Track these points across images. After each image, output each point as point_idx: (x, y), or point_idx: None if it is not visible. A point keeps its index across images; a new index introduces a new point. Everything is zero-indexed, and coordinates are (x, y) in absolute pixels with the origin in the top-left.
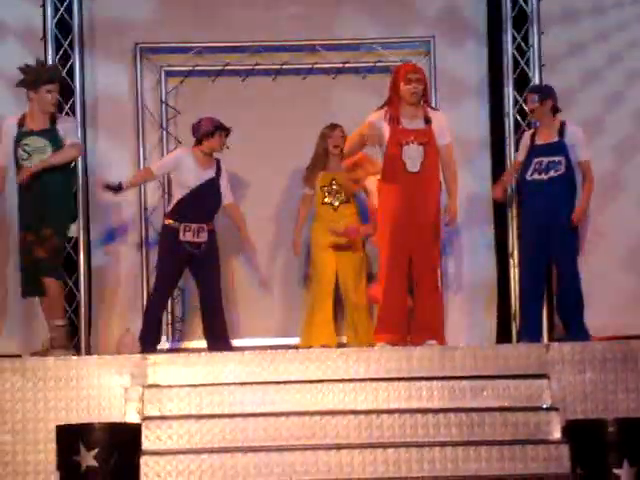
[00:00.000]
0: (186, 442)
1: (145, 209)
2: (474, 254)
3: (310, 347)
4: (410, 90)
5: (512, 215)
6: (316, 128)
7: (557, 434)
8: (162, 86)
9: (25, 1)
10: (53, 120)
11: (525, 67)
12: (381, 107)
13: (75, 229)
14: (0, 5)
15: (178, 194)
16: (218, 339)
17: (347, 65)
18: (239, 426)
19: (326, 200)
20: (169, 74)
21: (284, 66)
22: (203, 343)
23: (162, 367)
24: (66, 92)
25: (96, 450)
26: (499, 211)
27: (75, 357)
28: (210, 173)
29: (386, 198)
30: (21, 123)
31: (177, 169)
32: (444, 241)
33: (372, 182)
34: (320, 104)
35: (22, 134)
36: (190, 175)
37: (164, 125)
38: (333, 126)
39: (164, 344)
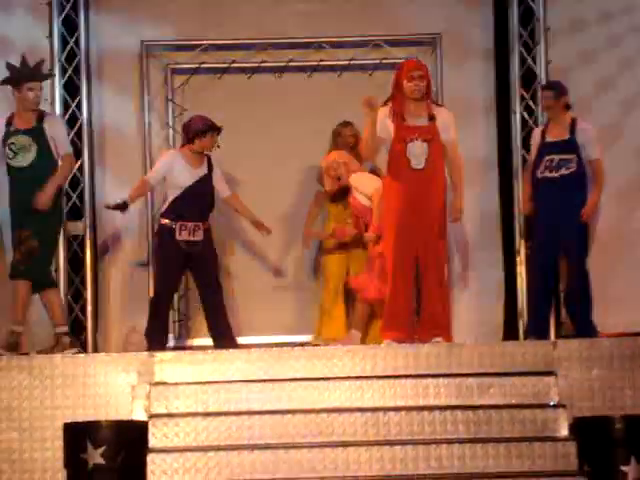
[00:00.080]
0: (193, 440)
1: (151, 206)
2: (481, 251)
3: (319, 344)
4: (412, 87)
5: (519, 212)
6: (322, 125)
7: (564, 431)
8: (168, 83)
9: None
10: (40, 118)
11: (532, 63)
12: (384, 103)
13: (81, 227)
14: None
15: (172, 194)
16: (223, 336)
17: (353, 62)
18: (246, 423)
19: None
20: (175, 72)
21: (290, 63)
22: (209, 340)
23: (169, 365)
24: (72, 92)
25: (103, 448)
26: (506, 208)
27: (82, 355)
28: (202, 171)
29: (391, 195)
30: (9, 122)
31: (169, 171)
32: (450, 238)
33: (358, 180)
34: (326, 101)
35: (9, 133)
36: (182, 175)
37: (170, 123)
38: (344, 124)
39: (170, 342)
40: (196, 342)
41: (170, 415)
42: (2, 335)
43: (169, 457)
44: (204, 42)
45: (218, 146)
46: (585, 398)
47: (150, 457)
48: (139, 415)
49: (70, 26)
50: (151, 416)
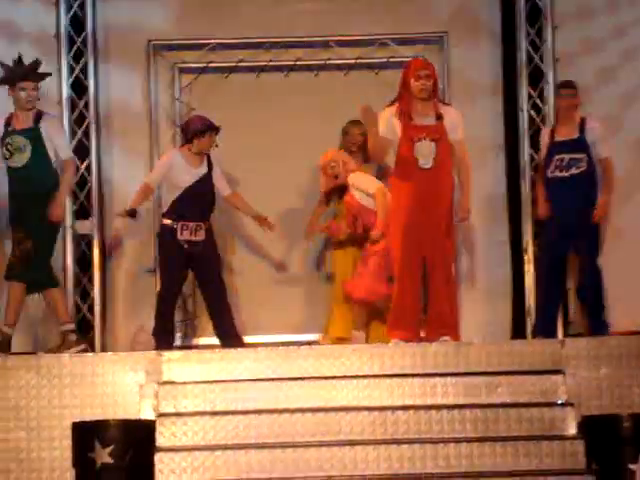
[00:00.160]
0: (201, 439)
1: (159, 205)
2: (488, 250)
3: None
4: (419, 86)
5: (526, 211)
6: (329, 124)
7: (572, 430)
8: (176, 83)
9: (38, 2)
10: (37, 119)
11: (539, 62)
12: (391, 103)
13: (88, 226)
14: (14, 8)
15: (173, 194)
16: (228, 336)
17: (360, 61)
18: (253, 422)
19: None
20: (183, 71)
21: (297, 62)
22: (217, 339)
23: (177, 364)
24: (80, 91)
25: (111, 447)
26: (513, 207)
27: (90, 354)
28: (202, 170)
29: (398, 195)
30: (8, 122)
31: (169, 171)
32: (458, 237)
33: (358, 179)
34: (333, 100)
35: (7, 133)
36: (182, 175)
37: (178, 122)
38: (353, 122)
39: (177, 341)
40: (204, 341)
41: (178, 414)
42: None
43: (177, 456)
44: (211, 41)
45: (216, 145)
46: (593, 396)
47: (158, 456)
48: (147, 414)
49: (77, 25)
50: (159, 415)
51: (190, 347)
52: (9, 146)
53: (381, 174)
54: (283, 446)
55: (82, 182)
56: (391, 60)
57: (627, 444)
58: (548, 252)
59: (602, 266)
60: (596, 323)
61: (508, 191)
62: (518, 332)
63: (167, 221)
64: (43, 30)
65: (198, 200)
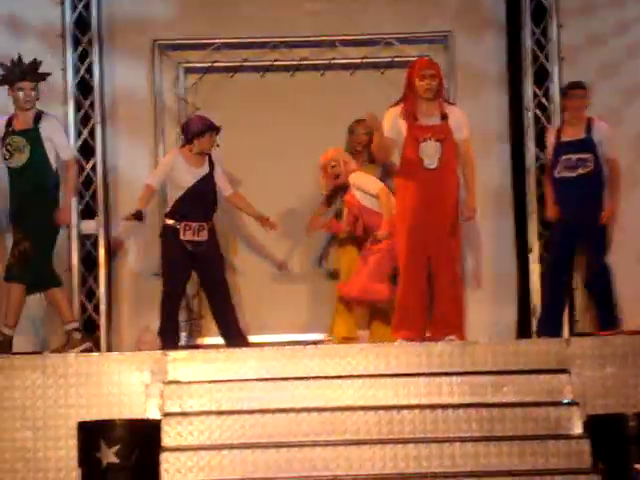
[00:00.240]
0: (207, 438)
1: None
2: (494, 249)
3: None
4: (424, 86)
5: (532, 210)
6: (335, 124)
7: (578, 429)
8: (181, 82)
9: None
10: (37, 119)
11: (544, 60)
12: (396, 103)
13: (94, 227)
14: (19, 3)
15: (175, 194)
16: (233, 335)
17: (365, 60)
18: (259, 422)
19: None
20: (188, 70)
21: (303, 62)
22: (222, 339)
23: (182, 364)
24: (85, 91)
25: (117, 447)
26: (519, 205)
27: (96, 354)
28: (203, 170)
29: (403, 195)
30: (9, 122)
31: (171, 172)
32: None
33: (360, 179)
34: (339, 100)
35: (7, 133)
36: (184, 175)
37: (183, 121)
38: (357, 122)
39: (183, 341)
40: (209, 341)
41: (184, 414)
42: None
43: (183, 456)
44: (216, 41)
45: (217, 145)
46: (599, 396)
47: (164, 456)
48: (153, 414)
49: (82, 25)
50: (165, 415)
51: (195, 347)
52: (9, 146)
53: (386, 174)
54: (289, 445)
55: (87, 182)
56: (396, 59)
57: (633, 443)
58: (554, 252)
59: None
60: (607, 318)
61: (513, 190)
62: (523, 331)
63: (170, 221)
64: (48, 30)
65: (200, 200)
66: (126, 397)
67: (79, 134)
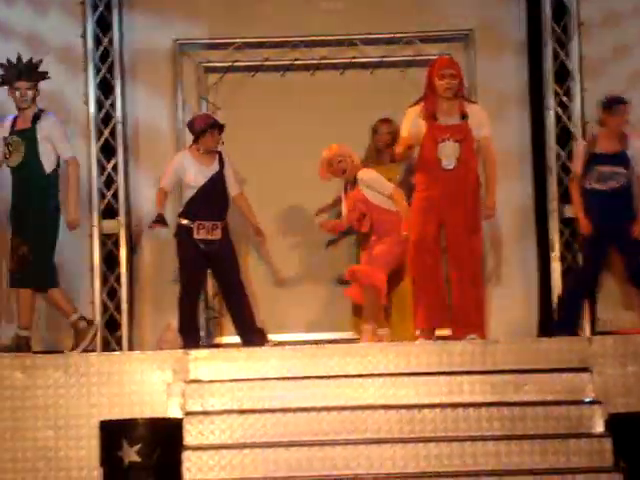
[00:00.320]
0: (228, 437)
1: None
2: (515, 248)
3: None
4: (444, 85)
5: (553, 208)
6: (355, 123)
7: (599, 428)
8: (201, 82)
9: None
10: (35, 118)
11: (565, 59)
12: (416, 103)
13: (116, 226)
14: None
15: (187, 194)
16: (250, 331)
17: (386, 59)
18: (280, 421)
19: None
20: (208, 70)
21: (323, 61)
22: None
23: (203, 362)
24: (107, 91)
25: (139, 445)
26: (540, 205)
27: (118, 353)
28: (214, 168)
29: (421, 195)
30: (14, 123)
31: (182, 173)
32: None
33: (371, 176)
34: (359, 98)
35: (10, 133)
36: (194, 174)
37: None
38: (381, 121)
39: (204, 340)
40: (229, 339)
41: (205, 412)
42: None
43: (205, 454)
44: (237, 40)
45: (222, 143)
46: (620, 394)
47: (186, 454)
48: (174, 413)
49: (103, 25)
50: (186, 414)
51: (217, 346)
52: (10, 146)
53: (409, 174)
54: (310, 444)
55: (109, 182)
56: (417, 58)
57: None
58: (584, 262)
59: None
60: None
61: (535, 188)
62: (545, 330)
63: (184, 221)
64: (69, 33)
65: (212, 199)
66: (148, 396)
67: (100, 134)
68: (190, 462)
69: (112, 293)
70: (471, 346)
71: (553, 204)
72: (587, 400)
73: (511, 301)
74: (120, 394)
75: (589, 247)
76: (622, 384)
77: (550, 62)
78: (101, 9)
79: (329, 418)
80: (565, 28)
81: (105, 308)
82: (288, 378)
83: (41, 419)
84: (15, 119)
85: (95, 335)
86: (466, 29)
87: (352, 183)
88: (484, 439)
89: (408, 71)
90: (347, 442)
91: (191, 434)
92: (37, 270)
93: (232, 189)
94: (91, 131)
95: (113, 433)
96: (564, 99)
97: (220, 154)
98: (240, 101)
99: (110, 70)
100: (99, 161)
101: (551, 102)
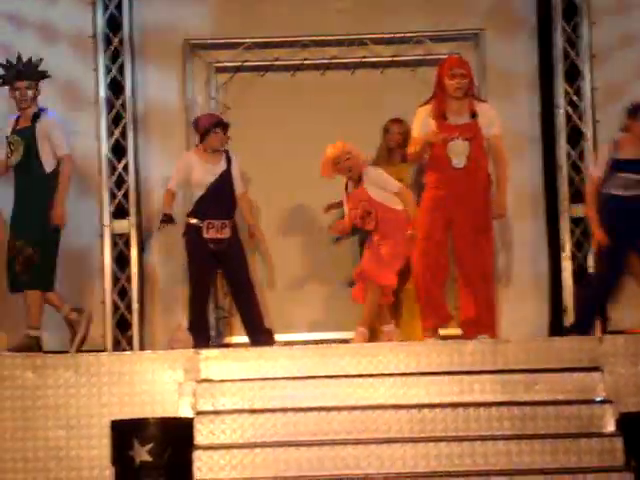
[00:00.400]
0: (239, 436)
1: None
2: (525, 247)
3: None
4: (454, 85)
5: (563, 208)
6: (365, 122)
7: (611, 427)
8: (212, 82)
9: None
10: (35, 118)
11: (575, 58)
12: (426, 102)
13: (126, 226)
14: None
15: (196, 194)
16: (259, 331)
17: (396, 59)
18: (291, 420)
19: None
20: (218, 70)
21: (333, 60)
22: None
23: (214, 362)
24: (117, 90)
25: (150, 445)
26: (550, 203)
27: (129, 352)
28: (221, 167)
29: (431, 194)
30: (16, 122)
31: (189, 173)
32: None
33: (378, 175)
34: (369, 98)
35: (11, 133)
36: (202, 174)
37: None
38: (392, 121)
39: (214, 339)
40: (239, 339)
41: (216, 412)
42: (17, 337)
43: (216, 454)
44: (247, 40)
45: (228, 141)
46: (631, 393)
47: (197, 454)
48: (185, 412)
49: (114, 25)
50: (197, 413)
51: (227, 345)
52: (11, 145)
53: (419, 174)
54: (321, 444)
55: (119, 182)
56: (427, 57)
57: None
58: (601, 269)
59: None
60: None
61: (545, 188)
62: (555, 329)
63: (193, 220)
64: (80, 30)
65: (221, 198)
66: (159, 395)
67: (111, 134)
68: (201, 461)
69: (123, 293)
70: (482, 346)
71: (564, 204)
72: (598, 399)
73: (522, 301)
74: (131, 394)
75: (608, 253)
76: (633, 383)
77: (560, 60)
78: (111, 9)
79: (340, 418)
80: (575, 27)
81: (116, 308)
82: (299, 378)
83: (52, 419)
84: (17, 119)
85: (89, 321)
86: (476, 28)
87: (356, 181)
88: (495, 439)
89: (418, 70)
90: (358, 442)
91: (202, 433)
92: (43, 272)
93: (237, 188)
94: (102, 131)
95: (124, 433)
96: (574, 99)
97: (227, 153)
98: (250, 101)
99: (120, 70)
100: (110, 161)
101: (561, 101)
